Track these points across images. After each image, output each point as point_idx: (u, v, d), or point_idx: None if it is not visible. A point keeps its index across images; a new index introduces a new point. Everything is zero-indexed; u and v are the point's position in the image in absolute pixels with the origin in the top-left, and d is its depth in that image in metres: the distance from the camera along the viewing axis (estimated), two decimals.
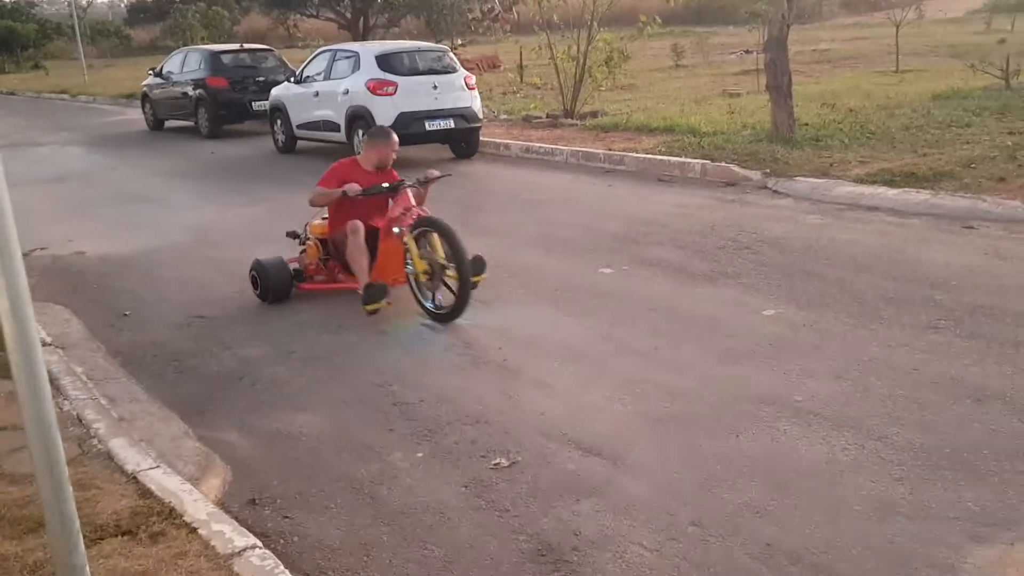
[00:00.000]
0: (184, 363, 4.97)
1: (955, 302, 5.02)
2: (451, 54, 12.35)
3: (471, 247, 5.29)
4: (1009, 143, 8.95)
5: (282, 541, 3.16)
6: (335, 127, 11.90)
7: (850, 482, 3.27)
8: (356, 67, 11.63)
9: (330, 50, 12.87)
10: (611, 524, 3.14)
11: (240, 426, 4.13)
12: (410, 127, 11.11)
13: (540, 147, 11.73)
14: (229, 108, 15.60)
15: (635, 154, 10.34)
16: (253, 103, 15.32)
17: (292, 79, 13.31)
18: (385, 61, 11.43)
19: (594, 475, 3.47)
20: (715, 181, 8.99)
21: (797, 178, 8.47)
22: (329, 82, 12.12)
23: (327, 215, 6.00)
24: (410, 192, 5.65)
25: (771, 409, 3.87)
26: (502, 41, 26.76)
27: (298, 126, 12.90)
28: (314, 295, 6.02)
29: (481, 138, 12.13)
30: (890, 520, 3.01)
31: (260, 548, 2.91)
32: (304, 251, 6.15)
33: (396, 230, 5.44)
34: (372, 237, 5.58)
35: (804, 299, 5.28)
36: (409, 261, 5.42)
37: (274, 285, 5.86)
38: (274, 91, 13.63)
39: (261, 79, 15.79)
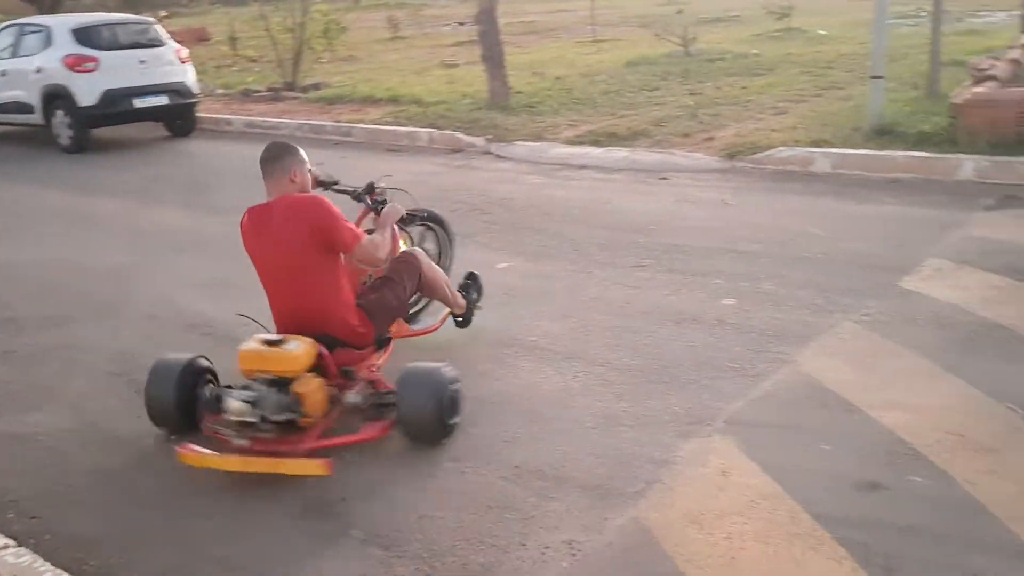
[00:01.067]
0: None
1: (655, 243, 5.73)
2: (158, 26, 11.67)
3: (204, 228, 5.21)
4: (691, 103, 10.12)
5: (32, 541, 2.99)
6: (28, 108, 10.88)
7: (581, 404, 3.72)
8: (48, 42, 10.67)
9: (15, 24, 11.67)
10: (377, 475, 3.33)
11: None
12: (117, 105, 10.49)
13: (264, 121, 11.50)
14: None
15: (363, 125, 10.46)
16: None
17: None
18: (83, 35, 10.59)
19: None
20: (442, 148, 9.35)
21: (516, 143, 9.05)
22: (17, 60, 11.03)
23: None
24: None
25: (511, 350, 4.26)
26: (208, 12, 25.51)
27: None
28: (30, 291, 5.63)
29: (199, 114, 11.63)
30: (615, 430, 3.49)
31: (15, 546, 2.80)
32: None
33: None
34: None
35: (530, 251, 5.77)
36: None
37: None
38: None
39: None
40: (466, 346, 4.34)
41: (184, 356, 3.64)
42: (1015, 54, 9.05)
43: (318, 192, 3.82)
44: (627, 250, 5.63)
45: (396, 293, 3.82)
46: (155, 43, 11.17)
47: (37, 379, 4.35)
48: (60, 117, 10.58)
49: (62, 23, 11.13)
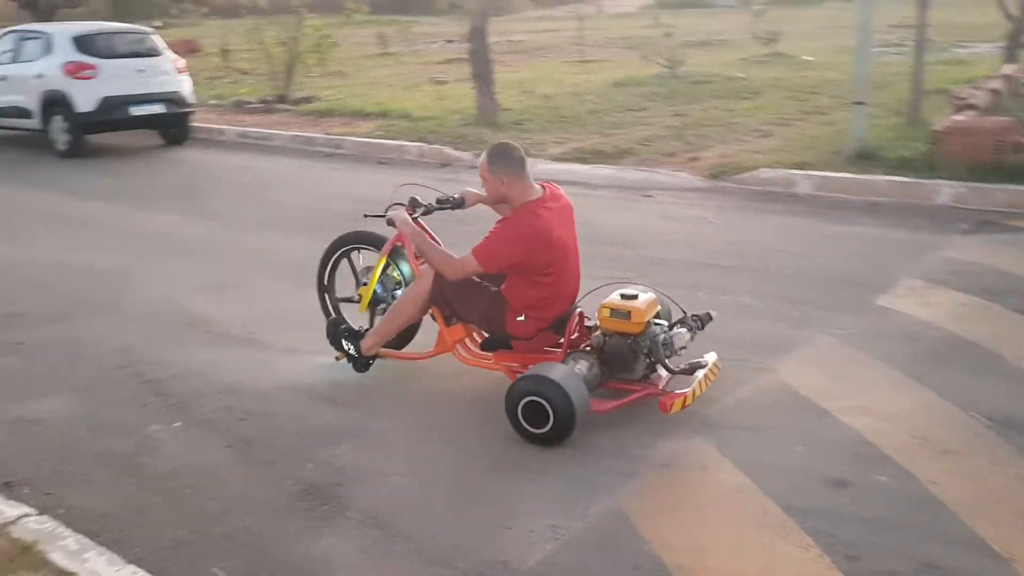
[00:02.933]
0: None
1: (638, 256, 5.96)
2: (156, 36, 11.86)
3: (197, 232, 5.38)
4: (676, 124, 10.39)
5: (47, 515, 3.15)
6: (27, 113, 11.02)
7: None
8: (49, 49, 10.83)
9: (16, 31, 11.85)
10: (369, 459, 3.53)
11: None
12: (114, 112, 10.66)
13: (257, 132, 11.68)
14: None
15: (354, 138, 10.66)
16: None
17: None
18: (83, 43, 10.77)
19: (350, 422, 3.84)
20: (431, 162, 9.57)
21: None
22: (17, 65, 11.17)
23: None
24: None
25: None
26: (199, 24, 25.68)
27: None
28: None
29: (192, 124, 11.81)
30: (596, 428, 3.67)
31: (36, 515, 2.97)
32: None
33: None
34: None
35: None
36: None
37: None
38: None
39: None
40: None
41: None
42: (996, 84, 9.35)
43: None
44: (611, 262, 5.83)
45: None
46: (153, 52, 11.35)
47: (45, 369, 4.50)
48: (58, 123, 10.71)
49: (63, 31, 11.29)
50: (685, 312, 4.01)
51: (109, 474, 3.49)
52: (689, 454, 3.46)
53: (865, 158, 7.86)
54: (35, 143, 11.30)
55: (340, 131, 11.21)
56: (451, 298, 4.01)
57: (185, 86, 11.43)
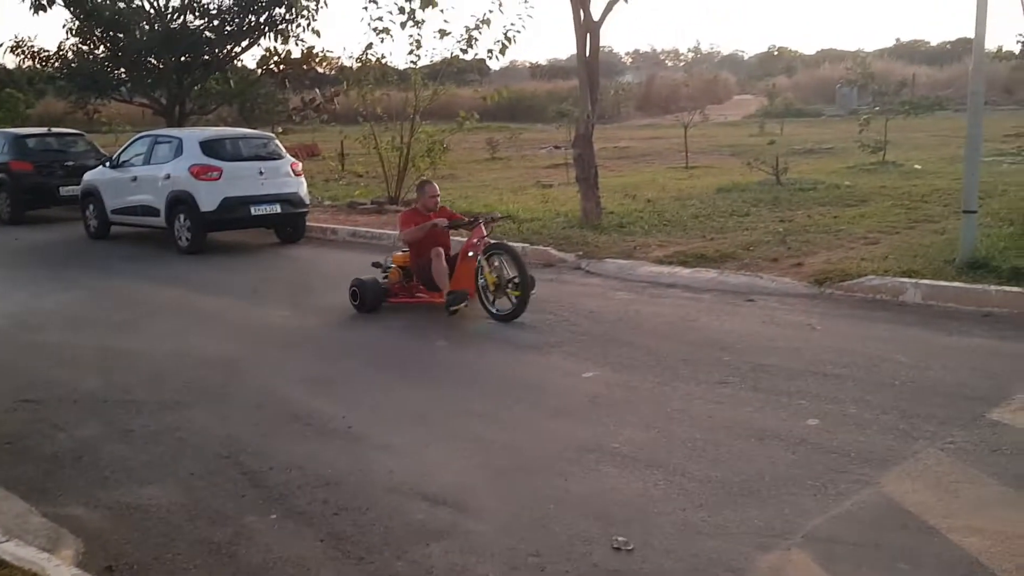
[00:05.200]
0: (17, 445, 4.89)
1: (740, 361, 5.84)
2: (276, 141, 12.62)
3: (308, 326, 5.57)
4: (780, 229, 10.28)
5: None
6: (155, 212, 11.78)
7: (660, 510, 3.81)
8: (179, 152, 11.64)
9: (150, 135, 12.81)
10: (460, 561, 3.49)
11: (86, 501, 4.15)
12: (235, 211, 11.28)
13: (367, 231, 12.14)
14: (35, 193, 15.05)
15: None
16: (61, 188, 14.87)
17: (107, 163, 13.08)
18: (209, 147, 11.54)
19: (442, 521, 3.83)
20: (535, 262, 9.67)
21: (606, 259, 9.35)
22: (149, 167, 12.03)
23: (407, 248, 7.83)
24: (483, 226, 7.49)
25: (594, 455, 4.40)
26: (319, 130, 27.15)
27: (113, 211, 12.64)
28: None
29: (308, 223, 12.39)
30: (694, 538, 3.56)
31: None
32: (387, 276, 7.84)
33: (471, 254, 7.25)
34: (447, 260, 7.39)
35: (617, 362, 5.94)
36: (481, 276, 7.20)
37: (370, 298, 7.58)
38: (87, 175, 13.32)
39: (70, 163, 15.35)
40: (548, 449, 4.50)
41: None
42: None
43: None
44: (712, 367, 5.75)
45: (426, 263, 7.52)
46: (274, 156, 12.07)
47: (152, 456, 4.68)
48: (181, 221, 11.41)
49: (192, 135, 12.15)
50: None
51: (206, 563, 3.57)
52: (789, 569, 3.30)
53: (976, 267, 7.58)
54: (160, 239, 12.03)
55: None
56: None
57: (302, 188, 12.04)
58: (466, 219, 7.96)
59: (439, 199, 7.94)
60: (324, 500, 4.07)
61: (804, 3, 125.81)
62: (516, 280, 7.04)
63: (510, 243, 7.61)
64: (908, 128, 22.06)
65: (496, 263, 7.18)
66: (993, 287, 7.09)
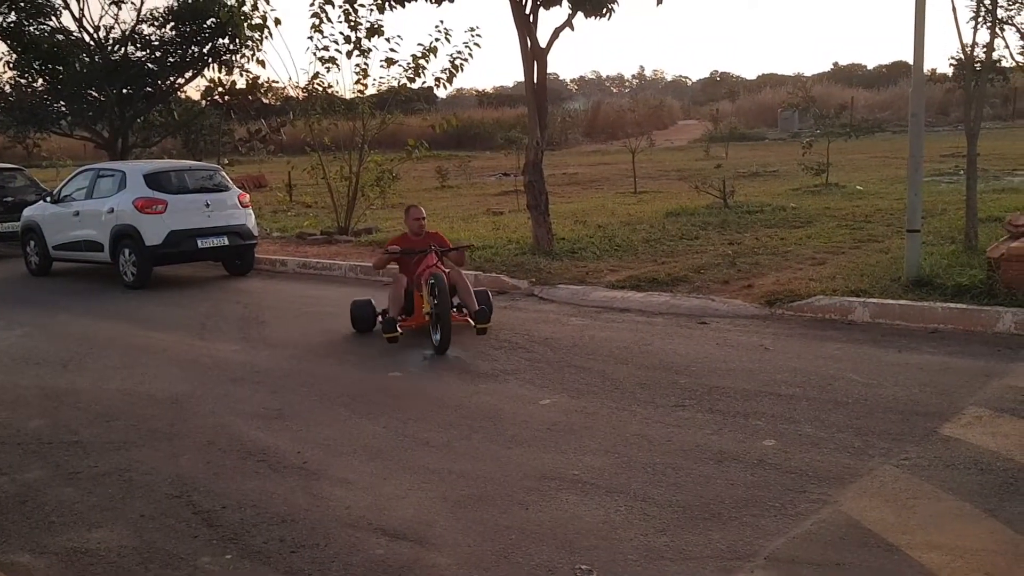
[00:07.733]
0: None
1: (695, 384, 5.87)
2: (223, 172, 12.46)
3: (259, 360, 5.47)
4: (730, 252, 10.43)
5: None
6: (98, 247, 11.54)
7: (622, 536, 3.79)
8: (122, 185, 11.44)
9: (92, 168, 12.56)
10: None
11: (32, 547, 4.00)
12: (182, 245, 11.11)
13: (317, 262, 12.02)
14: None
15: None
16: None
17: (48, 198, 12.78)
18: (154, 179, 11.36)
19: (403, 555, 3.76)
20: (488, 290, 9.67)
21: (559, 286, 9.37)
22: (92, 201, 11.80)
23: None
24: (434, 255, 7.63)
25: (554, 483, 4.37)
26: (266, 161, 26.94)
27: (55, 247, 12.37)
28: None
29: (256, 255, 12.22)
30: (657, 563, 3.55)
31: None
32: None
33: (422, 282, 7.41)
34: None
35: (574, 388, 5.94)
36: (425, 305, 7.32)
37: (361, 319, 7.88)
38: (27, 211, 13.04)
39: (9, 199, 15.03)
40: (508, 478, 4.45)
41: None
42: None
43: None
44: (668, 390, 5.77)
45: None
46: (220, 188, 11.91)
47: (100, 499, 4.52)
48: (126, 255, 11.18)
49: (136, 168, 11.91)
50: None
51: None
52: None
53: (922, 285, 7.76)
54: (104, 275, 11.76)
55: None
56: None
57: (250, 219, 11.91)
58: (451, 246, 8.10)
59: (424, 222, 8.01)
60: (281, 538, 3.97)
61: (744, 29, 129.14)
62: (437, 312, 7.07)
63: (448, 271, 7.56)
64: (849, 150, 22.66)
65: (436, 292, 7.15)
66: (939, 304, 7.25)
